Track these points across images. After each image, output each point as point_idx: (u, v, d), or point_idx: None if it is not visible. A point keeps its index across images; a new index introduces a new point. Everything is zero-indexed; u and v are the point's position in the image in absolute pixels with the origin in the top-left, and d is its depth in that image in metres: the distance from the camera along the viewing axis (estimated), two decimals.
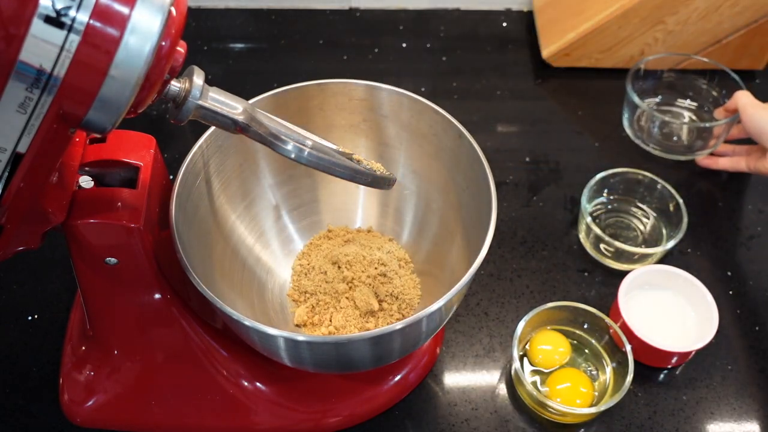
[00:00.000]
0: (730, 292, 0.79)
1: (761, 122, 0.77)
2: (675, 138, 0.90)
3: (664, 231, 0.83)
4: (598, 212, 0.85)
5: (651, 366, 0.72)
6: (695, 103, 0.96)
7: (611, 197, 0.86)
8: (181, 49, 0.46)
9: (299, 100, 0.67)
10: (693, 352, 0.72)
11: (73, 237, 0.53)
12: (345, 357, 0.57)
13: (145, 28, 0.38)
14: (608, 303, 0.78)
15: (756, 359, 0.74)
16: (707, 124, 0.86)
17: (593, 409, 0.65)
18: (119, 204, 0.53)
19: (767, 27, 0.95)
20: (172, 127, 0.91)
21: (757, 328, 0.77)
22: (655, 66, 0.94)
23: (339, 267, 0.69)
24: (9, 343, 0.74)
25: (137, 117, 0.45)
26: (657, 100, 0.97)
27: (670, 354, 0.70)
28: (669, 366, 0.73)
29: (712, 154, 0.88)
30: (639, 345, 0.70)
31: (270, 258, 0.72)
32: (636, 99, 0.88)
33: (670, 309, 0.75)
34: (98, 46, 0.38)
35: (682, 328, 0.73)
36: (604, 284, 0.80)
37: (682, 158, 0.91)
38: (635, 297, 0.75)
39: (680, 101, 0.97)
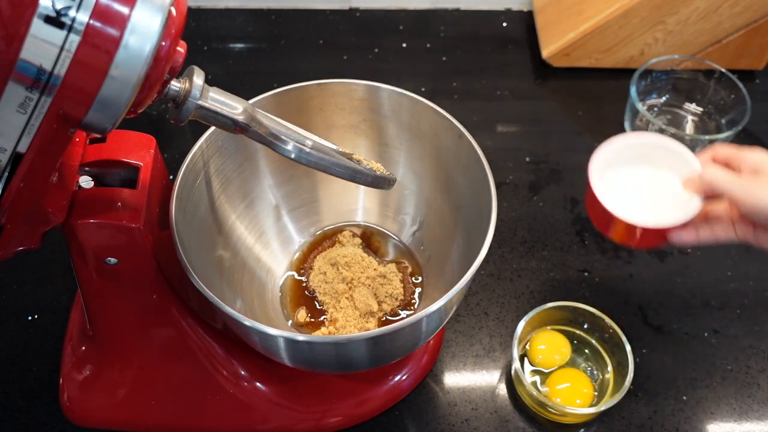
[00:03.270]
0: (730, 293, 0.79)
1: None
2: None
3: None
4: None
5: (625, 245, 0.66)
6: (700, 108, 0.96)
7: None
8: (181, 49, 0.46)
9: (299, 100, 0.67)
10: (669, 229, 0.61)
11: (73, 237, 0.53)
12: (345, 357, 0.57)
13: (145, 28, 0.38)
14: (608, 303, 0.78)
15: (756, 359, 0.74)
16: (707, 137, 0.86)
17: (593, 409, 0.65)
18: (119, 204, 0.53)
19: (767, 27, 0.95)
20: (172, 127, 0.91)
21: (757, 328, 0.77)
22: (660, 66, 0.94)
23: (338, 269, 0.70)
24: (9, 343, 0.74)
25: (137, 117, 0.45)
26: (662, 100, 0.97)
27: (634, 228, 0.61)
28: (645, 246, 0.65)
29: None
30: (604, 217, 0.62)
31: (270, 258, 0.72)
32: (638, 104, 0.88)
33: (650, 184, 0.66)
34: (98, 46, 0.38)
35: (661, 203, 0.64)
36: (605, 284, 0.80)
37: None
38: (613, 172, 0.65)
39: (686, 104, 0.96)
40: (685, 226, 0.61)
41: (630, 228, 0.62)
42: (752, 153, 0.59)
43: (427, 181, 0.70)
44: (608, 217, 0.62)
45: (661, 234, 0.62)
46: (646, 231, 0.62)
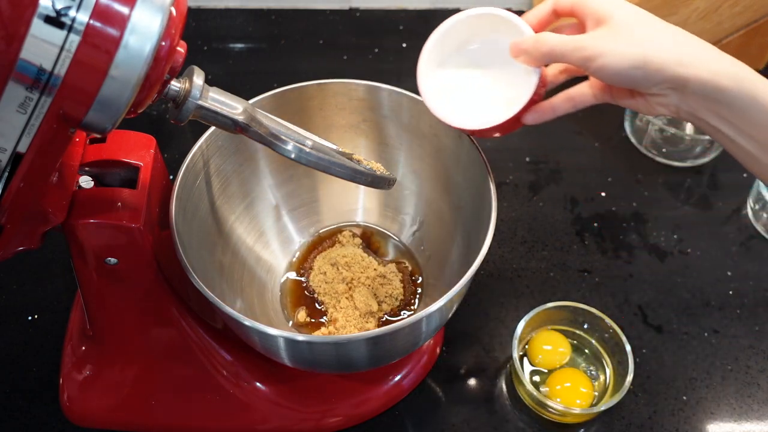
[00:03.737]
0: (730, 292, 0.79)
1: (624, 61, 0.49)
2: (675, 144, 0.90)
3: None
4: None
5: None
6: None
7: None
8: (181, 49, 0.46)
9: (299, 100, 0.67)
10: (517, 116, 0.55)
11: (73, 237, 0.53)
12: (345, 357, 0.57)
13: (145, 28, 0.38)
14: (608, 303, 0.78)
15: (756, 359, 0.74)
16: (707, 137, 0.86)
17: (593, 409, 0.65)
18: (119, 204, 0.53)
19: (767, 27, 0.95)
20: (172, 127, 0.91)
21: (757, 328, 0.77)
22: None
23: (338, 269, 0.70)
24: (9, 343, 0.74)
25: (137, 117, 0.45)
26: None
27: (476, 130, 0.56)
28: (502, 133, 0.58)
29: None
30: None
31: (270, 258, 0.72)
32: None
33: (485, 69, 0.58)
34: (98, 46, 0.38)
35: (499, 90, 0.57)
36: (604, 284, 0.80)
37: (681, 164, 0.91)
38: (442, 70, 0.59)
39: None
40: (531, 104, 0.54)
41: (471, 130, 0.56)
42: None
43: (427, 181, 0.70)
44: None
45: (510, 123, 0.55)
46: (489, 129, 0.55)
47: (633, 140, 0.93)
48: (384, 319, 0.68)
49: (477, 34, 0.58)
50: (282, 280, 0.72)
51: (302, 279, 0.71)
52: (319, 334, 0.66)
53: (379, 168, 0.59)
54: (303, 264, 0.72)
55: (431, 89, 0.58)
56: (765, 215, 0.84)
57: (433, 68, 0.58)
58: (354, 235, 0.74)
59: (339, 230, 0.75)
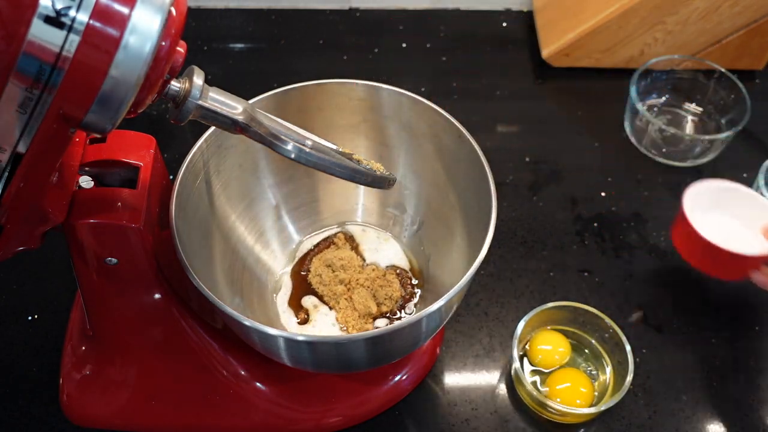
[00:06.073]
0: (730, 293, 0.79)
1: None
2: (675, 144, 0.90)
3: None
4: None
5: (723, 279, 0.73)
6: (700, 108, 0.96)
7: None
8: (181, 49, 0.46)
9: (299, 100, 0.67)
10: (751, 262, 0.69)
11: (73, 237, 0.53)
12: (344, 357, 0.57)
13: (145, 28, 0.38)
14: (608, 303, 0.78)
15: (756, 359, 0.74)
16: (706, 137, 0.86)
17: (593, 409, 0.65)
18: (119, 204, 0.53)
19: (767, 27, 0.95)
20: (172, 127, 0.91)
21: (757, 328, 0.77)
22: (660, 66, 0.94)
23: (333, 270, 0.70)
24: (9, 343, 0.74)
25: (137, 117, 0.45)
26: (662, 100, 0.97)
27: (745, 259, 0.68)
28: (742, 277, 0.70)
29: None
30: (709, 251, 0.69)
31: (270, 258, 0.72)
32: (638, 104, 0.88)
33: (733, 225, 0.74)
34: (98, 46, 0.38)
35: (748, 237, 0.72)
36: (605, 284, 0.80)
37: (681, 164, 0.91)
38: (699, 213, 0.72)
39: (686, 104, 0.96)
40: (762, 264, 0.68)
41: (722, 257, 0.68)
42: None
43: (427, 181, 0.70)
44: (702, 247, 0.69)
45: (743, 265, 0.69)
46: (733, 259, 0.68)
47: (633, 140, 0.93)
48: (382, 320, 0.68)
49: (728, 199, 0.74)
50: (282, 280, 0.72)
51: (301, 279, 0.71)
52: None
53: (379, 168, 0.59)
54: (302, 264, 0.72)
55: (693, 216, 0.71)
56: None
57: (692, 207, 0.71)
58: (348, 237, 0.74)
59: (334, 232, 0.75)
